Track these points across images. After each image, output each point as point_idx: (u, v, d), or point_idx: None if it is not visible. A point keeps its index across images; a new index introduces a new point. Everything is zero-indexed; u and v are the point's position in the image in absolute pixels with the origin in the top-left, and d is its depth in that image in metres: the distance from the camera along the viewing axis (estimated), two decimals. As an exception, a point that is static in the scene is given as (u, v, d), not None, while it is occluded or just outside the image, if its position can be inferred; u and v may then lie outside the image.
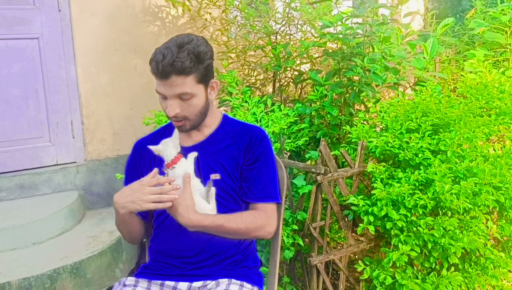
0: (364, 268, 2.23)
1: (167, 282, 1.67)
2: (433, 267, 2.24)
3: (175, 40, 1.57)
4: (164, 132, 1.80)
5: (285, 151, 2.42)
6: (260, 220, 1.68)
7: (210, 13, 3.51)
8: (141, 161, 1.77)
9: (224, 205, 1.67)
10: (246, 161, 1.71)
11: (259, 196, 1.70)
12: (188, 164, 1.58)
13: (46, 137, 3.30)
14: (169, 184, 1.49)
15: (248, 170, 1.71)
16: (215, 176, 1.68)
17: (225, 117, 1.81)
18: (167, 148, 1.55)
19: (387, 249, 2.22)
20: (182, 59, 1.52)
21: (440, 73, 3.20)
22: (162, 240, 1.72)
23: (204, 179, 1.64)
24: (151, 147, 1.58)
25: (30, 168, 3.26)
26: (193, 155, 1.63)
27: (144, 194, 1.48)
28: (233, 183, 1.70)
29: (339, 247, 2.41)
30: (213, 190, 1.62)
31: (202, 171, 1.67)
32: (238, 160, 1.71)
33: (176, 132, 1.64)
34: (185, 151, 1.65)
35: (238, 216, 1.66)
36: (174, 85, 1.56)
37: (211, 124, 1.77)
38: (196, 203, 1.55)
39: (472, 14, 3.67)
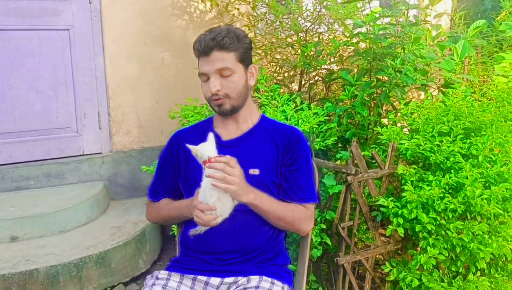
0: (391, 270, 2.23)
1: (199, 277, 1.68)
2: (459, 271, 2.24)
3: (215, 28, 1.69)
4: (203, 125, 1.82)
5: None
6: (304, 215, 1.72)
7: (238, 9, 3.52)
8: (179, 152, 1.78)
9: None
10: (286, 161, 1.72)
11: (302, 197, 1.72)
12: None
13: (74, 127, 3.34)
14: None
15: (289, 171, 1.72)
16: (254, 171, 1.68)
17: (263, 117, 1.84)
18: (205, 149, 1.53)
19: (414, 252, 2.22)
20: (223, 35, 1.63)
21: (469, 75, 3.17)
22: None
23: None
24: (190, 147, 1.56)
25: (57, 157, 3.31)
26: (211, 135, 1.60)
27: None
28: (270, 179, 1.71)
29: (365, 248, 2.41)
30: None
31: (241, 166, 1.65)
32: (277, 158, 1.72)
33: (211, 136, 1.59)
34: (224, 144, 1.68)
35: (289, 206, 1.69)
36: (216, 60, 1.63)
37: (250, 119, 1.78)
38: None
39: (503, 16, 3.63)
